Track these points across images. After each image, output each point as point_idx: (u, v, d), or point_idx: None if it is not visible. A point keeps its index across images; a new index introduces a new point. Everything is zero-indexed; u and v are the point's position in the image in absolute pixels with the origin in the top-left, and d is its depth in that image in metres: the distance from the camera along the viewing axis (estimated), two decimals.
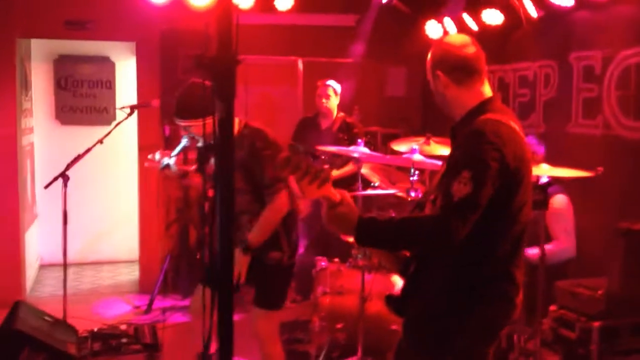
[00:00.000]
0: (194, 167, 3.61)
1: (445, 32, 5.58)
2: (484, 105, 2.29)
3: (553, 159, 3.87)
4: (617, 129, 4.21)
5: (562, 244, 3.94)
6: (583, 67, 4.50)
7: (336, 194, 2.16)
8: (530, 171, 2.28)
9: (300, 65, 6.57)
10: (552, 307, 3.60)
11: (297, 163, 2.11)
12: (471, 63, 2.31)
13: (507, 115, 2.26)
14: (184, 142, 3.56)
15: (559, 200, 3.97)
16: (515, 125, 2.25)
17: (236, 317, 1.76)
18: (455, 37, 2.44)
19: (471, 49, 2.33)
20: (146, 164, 3.86)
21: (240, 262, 3.30)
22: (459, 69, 2.30)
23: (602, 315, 3.35)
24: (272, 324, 3.55)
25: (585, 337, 3.37)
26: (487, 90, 2.33)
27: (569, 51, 4.60)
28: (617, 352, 3.35)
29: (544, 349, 3.50)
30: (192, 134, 3.41)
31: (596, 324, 3.34)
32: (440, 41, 2.41)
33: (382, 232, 2.18)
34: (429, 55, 2.38)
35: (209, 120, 3.20)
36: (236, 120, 3.34)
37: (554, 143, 4.50)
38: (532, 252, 3.58)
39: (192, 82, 3.38)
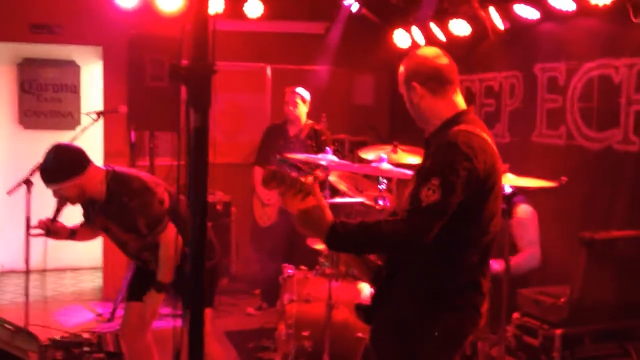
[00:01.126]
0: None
1: (413, 42, 5.63)
2: (459, 117, 2.33)
3: (517, 169, 3.93)
4: (579, 140, 4.29)
5: (525, 254, 3.99)
6: (547, 78, 4.58)
7: (312, 201, 2.19)
8: (500, 182, 2.33)
9: (269, 72, 6.58)
10: (516, 315, 3.65)
11: (283, 177, 2.16)
12: (445, 73, 2.36)
13: (479, 127, 2.31)
14: (56, 204, 3.57)
15: (524, 210, 4.03)
16: (487, 136, 2.29)
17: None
18: (427, 49, 2.49)
19: (444, 60, 2.38)
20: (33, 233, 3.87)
21: (157, 301, 3.45)
22: (434, 79, 2.35)
23: (564, 322, 3.40)
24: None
25: (548, 344, 3.42)
26: (461, 101, 2.38)
27: (534, 62, 4.68)
28: (579, 359, 3.41)
29: (507, 356, 3.54)
30: (62, 196, 3.44)
31: (558, 331, 3.39)
32: (412, 54, 2.45)
33: (352, 235, 2.21)
34: (402, 68, 2.41)
35: (77, 181, 3.29)
36: (103, 172, 3.40)
37: (518, 153, 4.57)
38: (496, 266, 3.62)
39: (55, 146, 3.40)
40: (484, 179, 2.19)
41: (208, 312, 3.56)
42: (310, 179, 2.22)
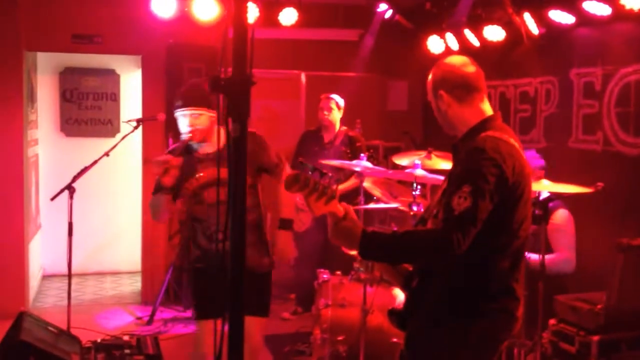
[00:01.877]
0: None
1: (447, 48, 5.64)
2: (485, 123, 2.36)
3: (554, 174, 3.93)
4: (616, 145, 4.26)
5: (562, 255, 3.97)
6: (583, 83, 4.56)
7: (341, 209, 2.23)
8: (530, 187, 2.34)
9: (303, 78, 6.64)
10: (552, 321, 3.63)
11: (306, 180, 2.18)
12: (471, 81, 2.39)
13: (506, 133, 2.33)
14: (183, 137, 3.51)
15: (561, 215, 4.01)
16: (515, 142, 2.31)
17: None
18: (455, 57, 2.51)
19: (471, 68, 2.41)
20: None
21: (288, 240, 3.58)
22: (460, 87, 2.38)
23: (601, 329, 3.37)
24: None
25: (585, 351, 3.40)
26: (488, 108, 2.40)
27: (570, 67, 4.65)
28: None
29: None
30: (193, 126, 3.37)
31: (595, 337, 3.37)
32: (440, 62, 2.48)
33: (385, 246, 2.24)
34: (430, 77, 2.45)
35: (214, 115, 3.30)
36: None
37: (554, 158, 4.54)
38: (534, 257, 3.62)
39: (198, 79, 3.48)
40: (512, 185, 2.21)
41: (262, 321, 3.54)
42: (334, 184, 2.24)
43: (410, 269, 2.49)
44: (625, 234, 3.56)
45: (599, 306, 3.41)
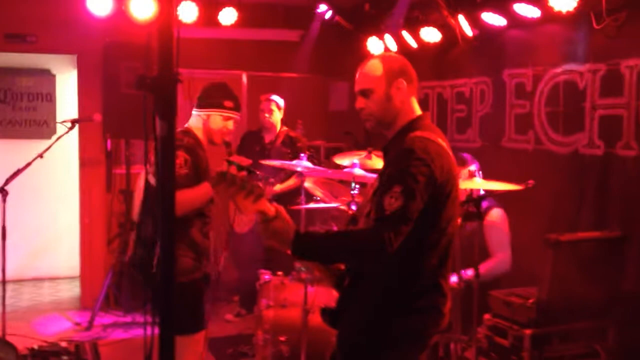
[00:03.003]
0: None
1: (386, 48, 5.71)
2: (414, 123, 2.41)
3: (488, 173, 4.03)
4: (547, 144, 4.40)
5: (497, 259, 4.07)
6: (515, 84, 4.69)
7: (271, 209, 2.22)
8: (458, 186, 2.40)
9: (245, 79, 6.62)
10: (487, 316, 3.73)
11: (232, 178, 2.17)
12: (415, 78, 2.46)
13: (435, 133, 2.39)
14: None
15: (495, 214, 4.11)
16: (443, 142, 2.37)
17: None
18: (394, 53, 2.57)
19: (405, 61, 2.50)
20: None
21: None
22: (413, 81, 2.45)
23: (533, 323, 3.48)
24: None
25: (518, 345, 3.50)
26: (417, 107, 2.47)
27: (503, 68, 4.78)
28: (548, 358, 3.49)
29: (479, 357, 3.62)
30: (230, 128, 3.53)
31: (527, 331, 3.47)
32: (391, 55, 2.54)
33: (318, 246, 2.27)
34: (382, 66, 2.42)
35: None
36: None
37: (489, 157, 4.66)
38: (468, 273, 3.71)
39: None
40: (441, 184, 2.27)
41: (201, 335, 3.42)
42: (261, 183, 2.24)
43: (343, 268, 2.52)
44: (555, 230, 3.68)
45: (530, 300, 3.52)
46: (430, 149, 2.27)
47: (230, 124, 3.50)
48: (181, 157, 3.26)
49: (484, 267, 3.85)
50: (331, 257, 2.36)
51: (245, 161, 3.13)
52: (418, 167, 2.21)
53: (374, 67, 2.44)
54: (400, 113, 2.42)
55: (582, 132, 4.12)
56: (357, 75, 2.50)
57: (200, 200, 3.34)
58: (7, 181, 4.50)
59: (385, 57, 2.54)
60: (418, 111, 2.46)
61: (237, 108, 3.52)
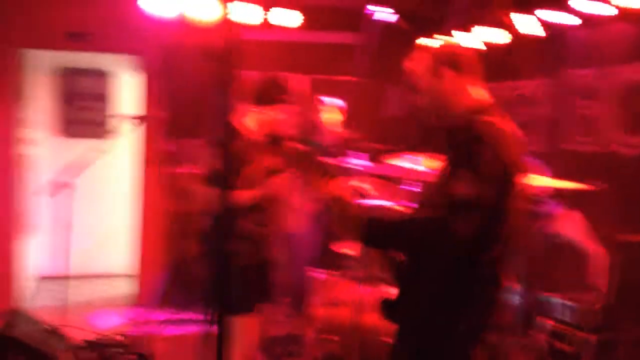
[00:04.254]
0: None
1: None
2: (482, 108, 2.30)
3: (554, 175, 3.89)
4: (614, 145, 4.23)
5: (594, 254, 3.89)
6: (580, 84, 4.53)
7: (344, 192, 2.20)
8: (526, 177, 2.29)
9: (306, 81, 6.61)
10: (548, 320, 3.58)
11: (309, 158, 2.17)
12: (473, 63, 2.36)
13: (504, 120, 2.28)
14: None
15: (569, 216, 3.94)
16: (512, 129, 2.26)
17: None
18: (451, 39, 2.47)
19: (469, 50, 2.38)
20: None
21: None
22: (461, 66, 2.33)
23: (599, 328, 3.33)
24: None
25: (582, 351, 3.35)
26: (484, 94, 2.36)
27: (567, 68, 4.63)
28: None
29: None
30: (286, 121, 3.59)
31: (593, 337, 3.32)
32: (442, 42, 2.44)
33: (388, 232, 2.23)
34: (427, 55, 2.37)
35: None
36: None
37: (553, 160, 4.50)
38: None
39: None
40: (509, 174, 2.17)
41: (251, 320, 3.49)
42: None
43: (403, 259, 2.45)
44: (623, 232, 3.52)
45: (597, 305, 3.37)
46: (500, 136, 2.18)
47: (287, 117, 3.56)
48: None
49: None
50: (401, 244, 2.29)
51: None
52: (487, 154, 2.12)
53: (417, 60, 2.39)
54: (454, 100, 2.33)
55: None
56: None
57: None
58: (74, 175, 4.58)
59: (438, 44, 2.42)
60: (484, 97, 2.35)
61: (291, 101, 3.56)
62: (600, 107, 4.34)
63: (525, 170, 2.28)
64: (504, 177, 2.14)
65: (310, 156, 2.19)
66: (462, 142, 2.24)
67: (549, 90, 4.87)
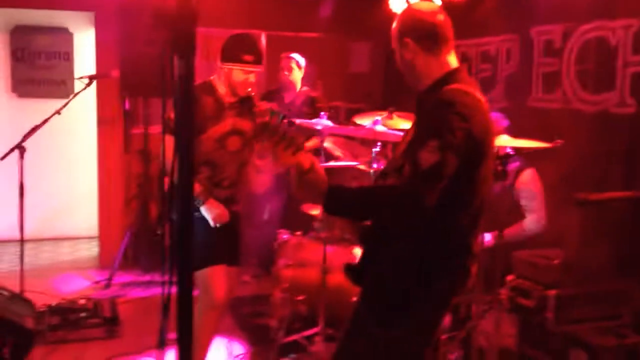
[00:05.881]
0: None
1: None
2: (451, 75, 2.27)
3: (514, 133, 3.91)
4: (575, 103, 4.27)
5: (531, 219, 3.98)
6: (544, 41, 4.54)
7: (307, 161, 2.18)
8: (494, 143, 2.29)
9: (263, 38, 6.51)
10: (510, 277, 3.65)
11: (274, 129, 2.14)
12: (441, 31, 2.29)
13: (472, 86, 2.26)
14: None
15: (528, 175, 4.00)
16: (480, 96, 2.25)
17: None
18: (424, 4, 2.39)
19: (440, 17, 2.31)
20: None
21: None
22: (429, 36, 2.28)
23: (558, 283, 3.40)
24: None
25: (542, 305, 3.43)
26: (453, 60, 2.32)
27: (530, 25, 4.62)
28: (572, 320, 3.42)
29: (501, 318, 3.55)
30: (251, 81, 3.50)
31: (552, 292, 3.40)
32: (409, 8, 2.38)
33: (350, 200, 2.20)
34: (397, 23, 2.34)
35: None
36: None
37: (514, 117, 4.53)
38: (487, 238, 3.63)
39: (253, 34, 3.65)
40: (479, 141, 2.15)
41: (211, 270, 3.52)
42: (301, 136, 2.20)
43: (369, 224, 2.45)
44: (583, 190, 3.58)
45: (555, 261, 3.44)
46: (469, 103, 2.16)
47: (251, 77, 3.52)
48: None
49: (518, 228, 3.76)
50: (363, 212, 2.28)
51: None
52: (457, 122, 2.10)
53: (394, 24, 2.36)
54: (422, 70, 2.30)
55: (612, 91, 3.98)
56: None
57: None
58: (25, 138, 4.47)
59: (405, 11, 2.38)
60: (454, 63, 2.31)
61: (257, 61, 3.51)
62: (563, 64, 4.35)
63: (493, 135, 2.27)
64: (472, 145, 2.13)
65: (274, 127, 2.15)
66: (429, 109, 2.21)
67: (512, 47, 4.87)
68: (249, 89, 3.52)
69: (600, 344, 3.27)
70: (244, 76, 3.48)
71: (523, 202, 3.98)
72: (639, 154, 3.79)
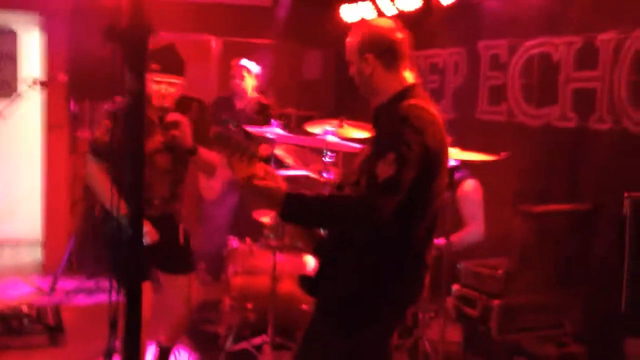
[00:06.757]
0: None
1: (362, 17, 5.63)
2: (408, 91, 2.33)
3: (461, 145, 3.99)
4: (520, 116, 4.39)
5: (470, 229, 4.08)
6: (490, 55, 4.66)
7: (261, 169, 2.19)
8: (448, 156, 2.35)
9: (214, 44, 6.48)
10: (456, 286, 3.73)
11: (228, 139, 2.14)
12: (400, 48, 2.35)
13: (427, 101, 2.33)
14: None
15: (469, 185, 4.10)
16: (435, 110, 2.31)
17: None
18: (383, 20, 2.46)
19: (400, 34, 2.37)
20: None
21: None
22: (389, 52, 2.33)
23: (501, 293, 3.49)
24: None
25: (486, 315, 3.51)
26: (410, 76, 2.38)
27: (478, 39, 4.74)
28: (515, 329, 3.51)
29: (447, 327, 3.62)
30: (165, 92, 3.36)
31: (496, 302, 3.48)
32: (369, 24, 2.42)
33: (308, 209, 2.22)
34: (356, 36, 2.37)
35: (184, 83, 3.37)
36: None
37: (462, 129, 4.63)
38: (439, 241, 3.70)
39: (173, 44, 3.46)
40: (434, 153, 2.21)
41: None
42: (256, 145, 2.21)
43: (323, 234, 2.47)
44: (527, 202, 3.69)
45: (499, 271, 3.53)
46: (423, 117, 2.22)
47: (163, 88, 3.36)
48: (104, 125, 3.33)
49: (457, 237, 3.84)
50: (319, 221, 2.31)
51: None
52: (412, 135, 2.15)
53: (352, 37, 2.40)
54: (380, 85, 2.35)
55: (555, 105, 4.12)
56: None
57: None
58: None
59: (365, 26, 2.43)
60: (409, 80, 2.37)
61: (165, 70, 3.34)
62: (509, 78, 4.48)
63: (447, 148, 2.33)
64: (427, 158, 2.18)
65: (228, 137, 2.15)
66: (386, 124, 2.27)
67: (460, 60, 4.98)
68: (163, 100, 3.36)
69: (543, 353, 3.38)
70: (156, 86, 3.33)
71: (464, 211, 4.07)
72: (580, 167, 3.93)
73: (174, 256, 3.57)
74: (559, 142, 4.08)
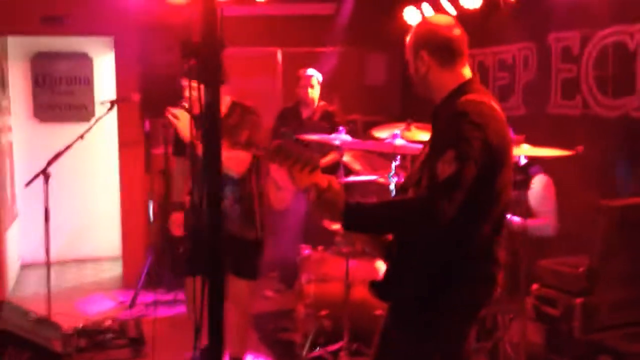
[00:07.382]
0: None
1: (424, 18, 5.57)
2: (465, 87, 2.28)
3: (533, 141, 3.89)
4: (595, 108, 4.23)
5: (541, 221, 3.96)
6: (561, 47, 4.52)
7: (324, 180, 2.18)
8: (512, 151, 2.28)
9: (279, 55, 6.55)
10: (535, 286, 3.62)
11: (288, 151, 2.14)
12: (456, 45, 2.30)
13: (487, 96, 2.26)
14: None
15: (539, 181, 3.99)
16: (496, 105, 2.25)
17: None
18: (440, 17, 2.41)
19: (456, 31, 2.32)
20: None
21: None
22: (444, 50, 2.29)
23: (583, 291, 3.37)
24: (253, 293, 3.95)
25: (568, 314, 3.39)
26: (467, 72, 2.33)
27: (547, 32, 4.61)
28: (598, 328, 3.38)
29: (527, 327, 3.52)
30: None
31: (578, 300, 3.36)
32: (424, 21, 2.39)
33: (369, 217, 2.19)
34: (412, 35, 2.35)
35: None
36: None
37: (534, 124, 4.52)
38: (515, 219, 3.60)
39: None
40: (496, 149, 2.14)
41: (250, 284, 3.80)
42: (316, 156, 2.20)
43: (391, 238, 2.44)
44: (606, 196, 3.54)
45: (581, 269, 3.40)
46: (484, 112, 2.16)
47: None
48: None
49: (531, 223, 3.73)
50: (383, 227, 2.28)
51: None
52: (472, 132, 2.09)
53: (409, 37, 2.37)
54: (436, 83, 2.31)
55: (632, 95, 3.95)
56: None
57: None
58: (49, 163, 4.52)
59: (421, 24, 2.40)
60: (468, 74, 2.32)
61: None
62: (582, 70, 4.33)
63: (510, 143, 2.26)
64: (489, 154, 2.11)
65: (288, 149, 2.15)
66: (444, 121, 2.21)
67: (529, 54, 4.85)
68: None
69: (628, 351, 3.23)
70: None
71: (534, 208, 3.95)
72: None
73: (243, 257, 3.72)
74: (638, 133, 3.90)
